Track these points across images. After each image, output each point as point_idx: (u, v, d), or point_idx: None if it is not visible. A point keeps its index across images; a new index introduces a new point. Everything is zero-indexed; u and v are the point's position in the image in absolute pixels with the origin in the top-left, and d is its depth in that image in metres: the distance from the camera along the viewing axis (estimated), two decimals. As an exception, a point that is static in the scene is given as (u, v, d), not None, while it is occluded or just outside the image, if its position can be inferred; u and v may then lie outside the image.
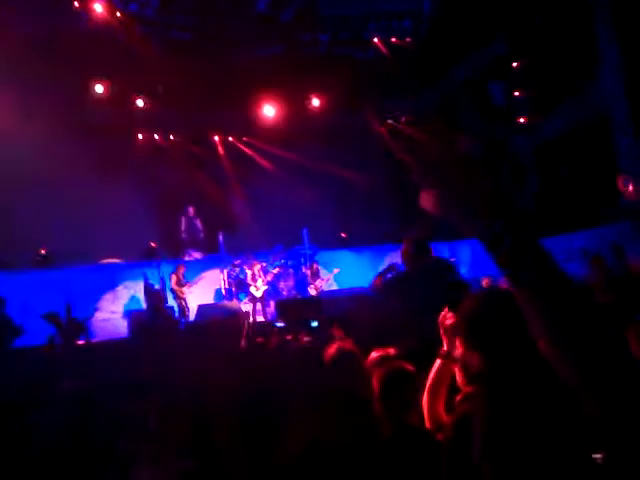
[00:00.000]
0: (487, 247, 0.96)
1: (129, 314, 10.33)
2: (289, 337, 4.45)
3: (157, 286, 10.20)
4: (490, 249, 0.96)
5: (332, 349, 2.85)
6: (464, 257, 11.82)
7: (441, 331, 1.98)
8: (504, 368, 1.50)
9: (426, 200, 1.03)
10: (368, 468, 1.93)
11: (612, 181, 8.71)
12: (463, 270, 11.31)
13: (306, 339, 4.60)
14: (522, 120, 12.04)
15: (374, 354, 2.68)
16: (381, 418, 2.24)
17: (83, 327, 7.64)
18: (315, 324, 5.78)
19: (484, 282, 7.59)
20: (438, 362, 2.06)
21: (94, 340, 8.26)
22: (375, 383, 2.28)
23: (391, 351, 2.73)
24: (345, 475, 1.69)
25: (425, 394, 2.06)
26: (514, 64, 11.75)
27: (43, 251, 11.01)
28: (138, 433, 2.26)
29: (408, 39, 12.44)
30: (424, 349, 2.74)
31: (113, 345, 7.43)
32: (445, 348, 2.00)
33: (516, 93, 12.01)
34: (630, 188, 8.62)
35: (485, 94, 12.28)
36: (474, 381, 1.60)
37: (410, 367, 2.36)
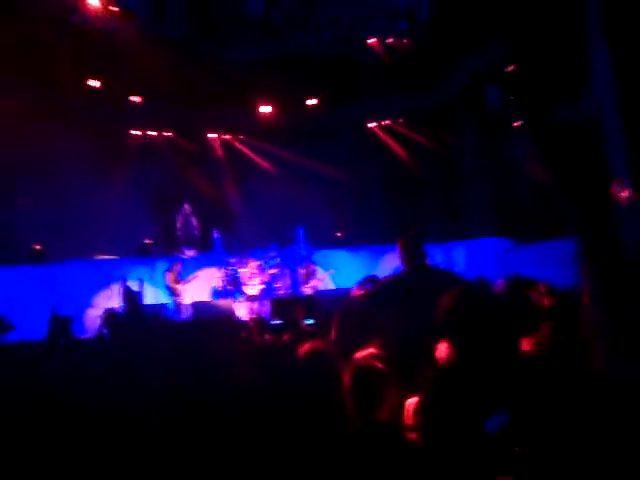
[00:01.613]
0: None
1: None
2: (286, 337, 4.47)
3: (135, 288, 10.17)
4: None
5: (305, 348, 2.88)
6: (458, 258, 11.89)
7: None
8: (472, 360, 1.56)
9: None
10: (332, 460, 1.98)
11: (603, 188, 8.77)
12: (457, 271, 11.39)
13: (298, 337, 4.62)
14: (516, 124, 12.10)
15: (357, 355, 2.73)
16: (350, 414, 2.29)
17: (67, 324, 7.60)
18: (311, 322, 5.80)
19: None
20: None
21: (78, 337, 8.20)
22: (345, 379, 2.34)
23: (373, 351, 2.78)
24: (311, 467, 1.74)
25: (419, 401, 2.13)
26: (509, 68, 11.81)
27: (38, 247, 10.99)
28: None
29: (405, 40, 12.47)
30: (403, 352, 2.79)
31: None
32: None
33: (511, 97, 12.07)
34: (624, 194, 8.68)
35: (481, 98, 12.34)
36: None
37: (380, 365, 2.42)
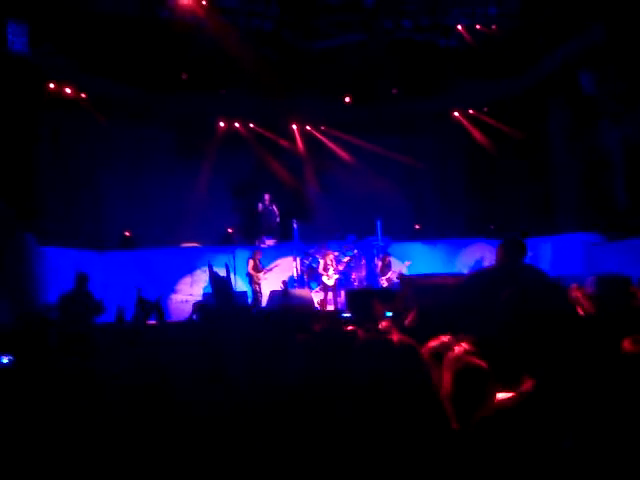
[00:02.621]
0: None
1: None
2: (351, 327, 4.43)
3: (223, 273, 10.31)
4: None
5: (392, 339, 2.80)
6: (544, 254, 11.36)
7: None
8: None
9: None
10: (430, 462, 1.89)
11: None
12: (543, 267, 10.87)
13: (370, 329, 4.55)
14: (614, 111, 11.37)
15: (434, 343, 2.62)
16: (449, 415, 2.18)
17: (154, 308, 7.84)
18: (389, 314, 5.71)
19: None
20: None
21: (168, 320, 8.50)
22: (447, 379, 2.21)
23: (466, 347, 2.66)
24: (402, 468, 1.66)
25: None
26: (607, 53, 11.09)
27: (127, 233, 11.54)
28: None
29: (494, 26, 12.00)
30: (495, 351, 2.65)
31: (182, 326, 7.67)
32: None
33: (608, 83, 11.35)
34: None
35: (574, 83, 11.68)
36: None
37: (483, 364, 2.26)
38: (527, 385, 1.57)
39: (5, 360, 3.28)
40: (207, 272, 10.44)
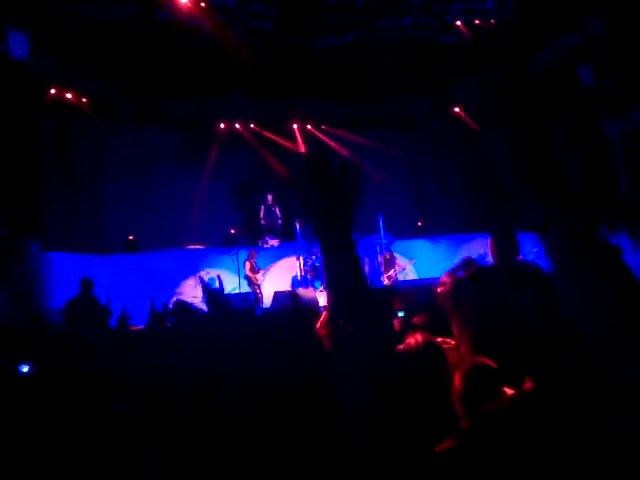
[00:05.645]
0: None
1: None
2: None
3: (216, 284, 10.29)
4: None
5: (417, 338, 2.76)
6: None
7: None
8: None
9: None
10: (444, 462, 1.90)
11: None
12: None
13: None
14: (613, 104, 11.36)
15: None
16: (460, 414, 2.19)
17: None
18: (401, 314, 5.62)
19: None
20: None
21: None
22: (456, 380, 2.22)
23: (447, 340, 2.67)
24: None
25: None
26: (606, 45, 11.08)
27: (131, 237, 11.56)
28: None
29: (492, 21, 11.97)
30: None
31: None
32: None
33: (608, 75, 11.34)
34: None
35: (573, 77, 11.67)
36: None
37: (494, 364, 2.27)
38: (528, 385, 1.59)
39: (25, 369, 3.33)
40: (200, 286, 10.39)
